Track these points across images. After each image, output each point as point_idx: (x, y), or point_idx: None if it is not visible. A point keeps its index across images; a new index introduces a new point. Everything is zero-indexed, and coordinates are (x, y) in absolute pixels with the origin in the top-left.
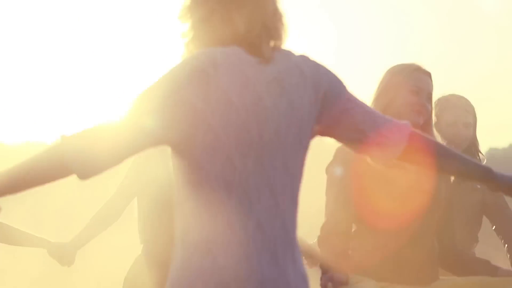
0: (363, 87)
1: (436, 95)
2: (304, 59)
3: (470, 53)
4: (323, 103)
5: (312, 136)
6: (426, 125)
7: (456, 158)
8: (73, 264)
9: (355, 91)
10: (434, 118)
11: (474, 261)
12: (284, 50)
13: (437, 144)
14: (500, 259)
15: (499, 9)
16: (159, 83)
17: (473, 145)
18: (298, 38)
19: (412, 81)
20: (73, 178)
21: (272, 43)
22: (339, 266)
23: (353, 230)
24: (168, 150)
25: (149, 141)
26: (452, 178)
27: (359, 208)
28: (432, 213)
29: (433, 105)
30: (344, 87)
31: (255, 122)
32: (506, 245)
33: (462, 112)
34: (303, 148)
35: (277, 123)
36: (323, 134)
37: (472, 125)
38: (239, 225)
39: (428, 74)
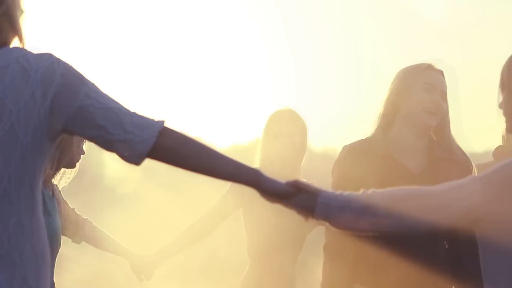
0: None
1: None
2: (35, 57)
3: (413, 61)
4: (54, 100)
5: (53, 134)
6: (442, 124)
7: (213, 158)
8: (151, 278)
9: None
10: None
11: None
12: (11, 48)
13: (192, 143)
14: None
15: (441, 17)
16: None
17: None
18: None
19: (423, 79)
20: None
21: None
22: (349, 275)
23: None
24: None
25: None
26: None
27: None
28: None
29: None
30: (83, 83)
31: None
32: None
33: None
34: (24, 147)
35: None
36: (67, 131)
37: None
38: None
39: (441, 72)
